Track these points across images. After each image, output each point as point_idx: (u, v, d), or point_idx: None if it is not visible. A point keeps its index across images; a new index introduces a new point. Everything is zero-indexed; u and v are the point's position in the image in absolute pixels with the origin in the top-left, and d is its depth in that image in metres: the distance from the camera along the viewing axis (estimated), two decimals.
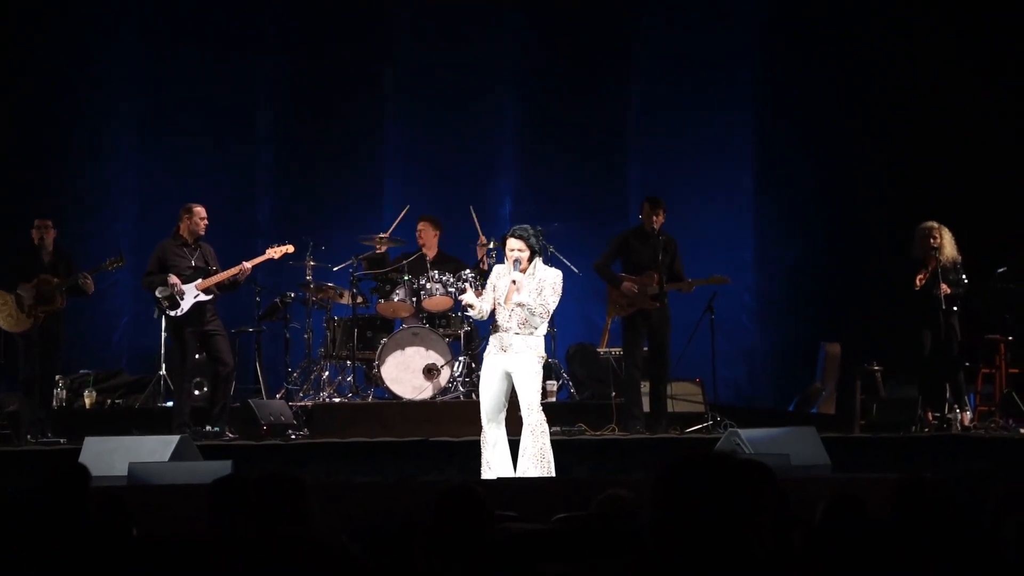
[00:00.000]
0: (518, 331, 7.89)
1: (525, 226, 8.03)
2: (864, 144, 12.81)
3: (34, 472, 4.87)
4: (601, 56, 13.80)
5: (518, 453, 7.88)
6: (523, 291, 7.86)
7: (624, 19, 13.82)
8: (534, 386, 7.90)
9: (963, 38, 12.45)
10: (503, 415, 7.99)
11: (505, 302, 7.90)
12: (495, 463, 7.91)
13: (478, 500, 4.13)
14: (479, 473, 7.98)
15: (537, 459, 7.80)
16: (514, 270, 7.86)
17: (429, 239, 11.52)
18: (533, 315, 7.86)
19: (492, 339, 8.00)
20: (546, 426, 7.93)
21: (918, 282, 10.41)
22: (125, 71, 13.22)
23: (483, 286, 10.37)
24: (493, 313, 8.03)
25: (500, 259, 8.70)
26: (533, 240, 7.92)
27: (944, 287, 10.33)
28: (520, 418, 7.93)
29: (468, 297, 8.11)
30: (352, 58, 13.54)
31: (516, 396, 7.95)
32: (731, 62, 13.74)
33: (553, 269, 8.09)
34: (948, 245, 10.48)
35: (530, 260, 7.89)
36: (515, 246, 7.89)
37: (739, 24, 13.73)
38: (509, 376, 7.93)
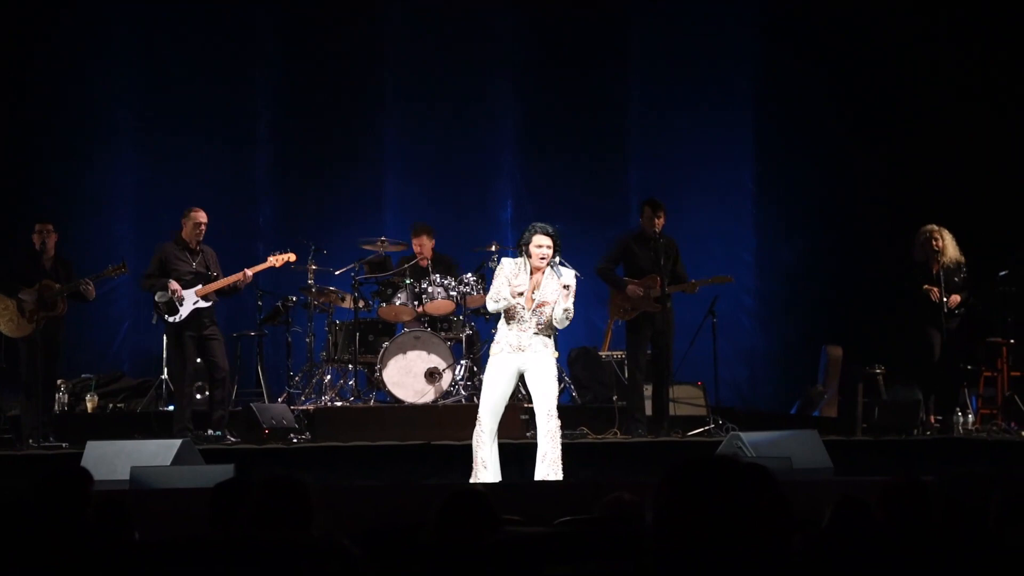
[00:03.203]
0: (537, 331, 7.69)
1: (547, 224, 7.75)
2: (865, 145, 12.78)
3: (36, 477, 4.85)
4: (600, 57, 13.80)
5: (536, 457, 7.70)
6: (550, 291, 7.64)
7: (623, 20, 13.81)
8: (554, 390, 7.71)
9: (963, 38, 12.43)
10: (500, 415, 7.80)
11: (528, 304, 7.63)
12: (491, 462, 7.70)
13: (486, 504, 4.12)
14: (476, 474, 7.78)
15: (555, 464, 7.65)
16: (555, 273, 7.60)
17: (427, 251, 11.39)
18: (567, 319, 7.64)
19: (507, 336, 7.71)
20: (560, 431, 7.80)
21: (933, 296, 10.35)
22: (123, 74, 13.21)
23: (484, 289, 10.35)
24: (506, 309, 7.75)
25: (512, 255, 8.18)
26: (559, 238, 7.71)
27: (955, 297, 10.32)
28: (517, 419, 7.79)
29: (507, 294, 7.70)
30: (351, 60, 13.53)
31: (517, 396, 7.79)
32: (730, 63, 13.72)
33: (570, 269, 7.84)
34: (950, 246, 10.47)
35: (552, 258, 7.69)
36: (544, 243, 7.62)
37: (738, 24, 13.71)
38: (519, 375, 7.77)
